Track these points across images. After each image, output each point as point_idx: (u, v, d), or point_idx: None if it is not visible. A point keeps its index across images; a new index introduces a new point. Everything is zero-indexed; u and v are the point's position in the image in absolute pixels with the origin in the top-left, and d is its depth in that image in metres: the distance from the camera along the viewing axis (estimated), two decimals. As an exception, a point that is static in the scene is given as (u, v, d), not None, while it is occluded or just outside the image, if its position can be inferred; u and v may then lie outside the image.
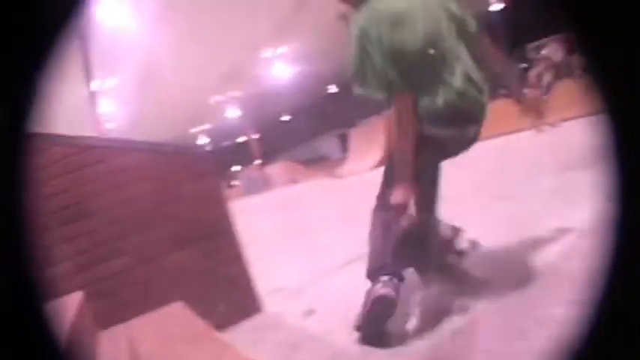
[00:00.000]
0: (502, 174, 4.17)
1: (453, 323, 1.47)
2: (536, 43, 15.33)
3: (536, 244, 1.88)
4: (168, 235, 2.09)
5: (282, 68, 19.63)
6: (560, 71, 13.00)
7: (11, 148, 0.46)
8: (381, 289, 1.50)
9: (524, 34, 15.34)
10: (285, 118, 30.47)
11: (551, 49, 14.12)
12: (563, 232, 1.91)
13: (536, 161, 4.07)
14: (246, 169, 21.94)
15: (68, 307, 1.13)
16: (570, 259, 1.57)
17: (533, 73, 13.00)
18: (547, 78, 12.62)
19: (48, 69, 0.47)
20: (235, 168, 25.61)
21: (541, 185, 3.07)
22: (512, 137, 8.36)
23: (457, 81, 1.58)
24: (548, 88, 11.43)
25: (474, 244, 2.01)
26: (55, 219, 1.85)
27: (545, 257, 1.73)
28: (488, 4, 16.07)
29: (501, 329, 1.33)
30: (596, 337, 0.45)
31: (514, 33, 15.67)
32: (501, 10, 16.22)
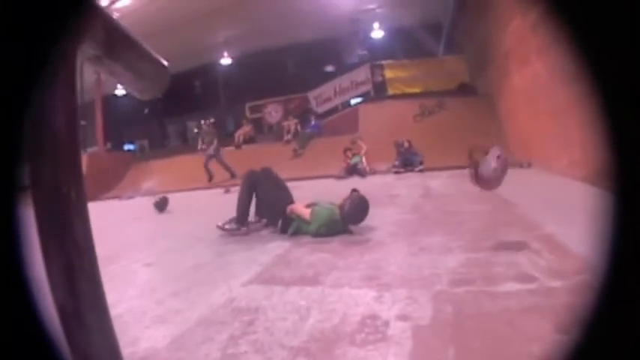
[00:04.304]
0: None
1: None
2: (255, 103, 15.11)
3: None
4: None
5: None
6: (271, 133, 13.44)
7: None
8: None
9: (247, 92, 15.18)
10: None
11: (269, 110, 14.59)
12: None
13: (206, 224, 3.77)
14: None
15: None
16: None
17: (239, 133, 13.00)
18: (249, 138, 12.77)
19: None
20: None
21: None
22: (204, 193, 8.38)
23: None
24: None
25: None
26: None
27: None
28: (222, 57, 15.14)
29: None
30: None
31: (237, 89, 15.55)
32: (230, 64, 15.45)
